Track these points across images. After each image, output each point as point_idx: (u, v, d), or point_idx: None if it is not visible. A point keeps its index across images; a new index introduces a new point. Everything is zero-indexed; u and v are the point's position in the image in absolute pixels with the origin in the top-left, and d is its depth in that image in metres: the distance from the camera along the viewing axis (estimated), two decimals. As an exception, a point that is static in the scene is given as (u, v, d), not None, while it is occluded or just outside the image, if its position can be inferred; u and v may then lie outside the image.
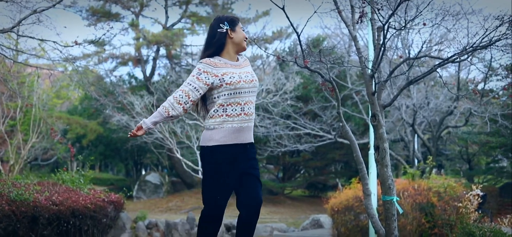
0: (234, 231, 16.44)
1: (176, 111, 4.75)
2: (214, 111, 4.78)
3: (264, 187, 15.60)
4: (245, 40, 4.97)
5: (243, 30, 4.97)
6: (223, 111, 4.76)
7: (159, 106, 4.92)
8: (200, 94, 4.76)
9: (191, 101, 4.76)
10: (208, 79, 4.74)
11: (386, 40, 5.68)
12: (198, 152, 16.48)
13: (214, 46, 4.88)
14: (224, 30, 4.88)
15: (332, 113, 20.80)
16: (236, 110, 4.76)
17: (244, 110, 4.80)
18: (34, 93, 18.94)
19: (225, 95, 4.75)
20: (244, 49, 5.01)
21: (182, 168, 22.74)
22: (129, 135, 4.81)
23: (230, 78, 4.74)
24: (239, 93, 4.78)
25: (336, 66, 7.19)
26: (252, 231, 4.81)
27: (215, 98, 4.80)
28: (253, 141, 4.93)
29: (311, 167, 29.32)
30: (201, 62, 4.83)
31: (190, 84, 4.76)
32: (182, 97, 4.76)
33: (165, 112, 4.74)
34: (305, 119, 20.61)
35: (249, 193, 4.78)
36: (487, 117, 16.98)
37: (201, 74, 4.76)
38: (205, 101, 4.97)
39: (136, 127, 4.76)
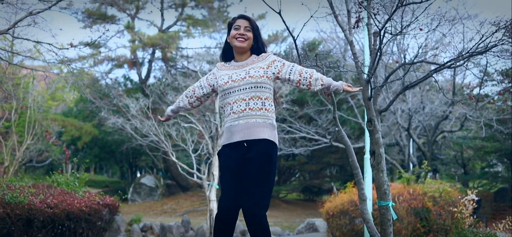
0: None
1: (183, 103, 5.27)
2: (220, 114, 5.02)
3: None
4: (235, 37, 4.94)
5: (237, 28, 4.96)
6: (223, 113, 4.96)
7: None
8: (204, 92, 5.16)
9: (195, 96, 5.20)
10: (212, 80, 5.09)
11: (383, 45, 5.68)
12: (193, 155, 16.46)
13: (225, 54, 5.17)
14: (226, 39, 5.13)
15: (328, 116, 20.79)
16: (227, 110, 4.87)
17: (233, 109, 4.82)
18: (29, 95, 18.89)
19: (220, 97, 4.95)
20: (237, 47, 4.96)
21: (177, 171, 22.73)
22: (158, 120, 5.39)
23: (221, 80, 4.93)
24: (228, 93, 4.87)
25: (332, 70, 7.19)
26: (253, 231, 4.73)
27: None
28: (255, 138, 4.76)
29: (306, 170, 29.33)
30: (217, 64, 5.17)
31: (199, 82, 5.20)
32: (189, 92, 5.26)
33: (178, 102, 5.31)
34: (301, 123, 20.59)
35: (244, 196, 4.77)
36: (482, 122, 16.98)
37: (210, 74, 5.14)
38: None
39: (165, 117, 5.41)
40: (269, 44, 27.81)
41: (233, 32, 4.96)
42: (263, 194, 4.74)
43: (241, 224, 16.46)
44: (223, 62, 5.10)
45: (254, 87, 4.83)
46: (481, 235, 7.52)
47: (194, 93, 5.17)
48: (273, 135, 4.83)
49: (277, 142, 4.89)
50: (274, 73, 4.93)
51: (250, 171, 4.73)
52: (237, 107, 4.79)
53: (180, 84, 17.86)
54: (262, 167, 4.75)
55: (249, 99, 4.79)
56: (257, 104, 4.80)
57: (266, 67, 4.91)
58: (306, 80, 4.91)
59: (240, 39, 4.93)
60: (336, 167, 30.18)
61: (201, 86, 5.15)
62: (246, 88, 4.81)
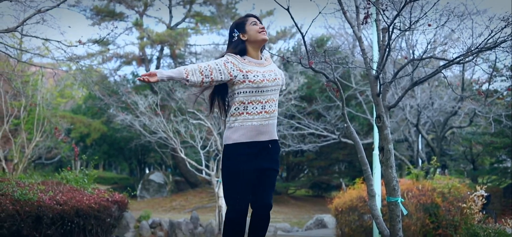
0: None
1: (196, 78, 4.60)
2: (235, 109, 4.74)
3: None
4: (260, 32, 4.89)
5: (255, 24, 4.92)
6: (243, 109, 4.72)
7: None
8: (221, 78, 4.67)
9: (211, 78, 4.65)
10: (233, 70, 4.69)
11: (391, 41, 5.67)
12: (202, 152, 16.48)
13: (236, 52, 4.87)
14: (236, 38, 4.90)
15: (336, 113, 20.78)
16: (256, 108, 4.73)
17: (265, 108, 4.75)
18: (38, 92, 18.96)
19: (246, 92, 4.71)
20: (264, 40, 4.93)
21: (186, 168, 22.78)
22: (138, 79, 4.47)
23: (254, 76, 4.72)
24: (261, 91, 4.75)
25: (340, 67, 7.18)
26: (261, 232, 4.81)
27: (235, 94, 4.75)
28: (276, 139, 4.89)
29: (315, 167, 29.36)
30: (230, 54, 4.83)
31: (217, 64, 4.71)
32: (206, 69, 4.66)
33: (185, 73, 4.59)
34: (309, 119, 20.59)
35: (261, 194, 4.78)
36: (491, 118, 16.95)
37: (228, 62, 4.73)
38: (224, 100, 4.97)
39: (149, 72, 4.49)
40: (277, 41, 27.83)
41: (255, 27, 4.89)
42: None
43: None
44: (239, 55, 4.84)
45: (278, 89, 4.94)
46: (490, 231, 7.49)
47: (211, 75, 4.64)
48: None
49: None
50: None
51: (270, 169, 4.83)
52: (269, 107, 4.78)
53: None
54: (278, 166, 4.97)
55: (276, 100, 4.87)
56: (277, 105, 4.92)
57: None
58: None
59: (263, 32, 4.91)
60: (345, 163, 30.15)
61: (220, 71, 4.67)
62: (275, 89, 4.87)
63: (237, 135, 4.72)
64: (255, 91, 4.73)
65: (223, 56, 4.88)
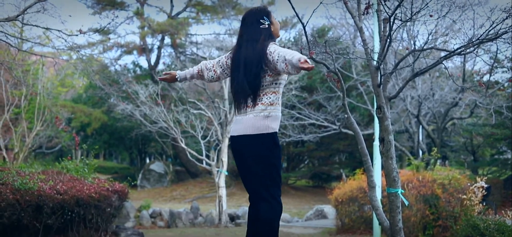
0: (238, 220, 16.42)
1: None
2: (276, 98, 4.58)
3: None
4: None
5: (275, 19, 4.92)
6: (277, 100, 4.61)
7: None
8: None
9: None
10: None
11: (392, 31, 5.65)
12: (202, 142, 16.45)
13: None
14: (266, 26, 4.69)
15: (337, 103, 20.77)
16: (280, 99, 4.69)
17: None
18: (38, 81, 18.94)
19: (284, 84, 4.68)
20: (278, 36, 4.92)
21: (186, 158, 22.81)
22: (306, 68, 3.98)
23: None
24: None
25: (341, 57, 7.17)
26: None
27: (277, 84, 4.59)
28: None
29: (315, 157, 29.37)
30: (275, 43, 4.63)
31: None
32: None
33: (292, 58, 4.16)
34: (310, 109, 20.59)
35: None
36: (492, 109, 16.91)
37: None
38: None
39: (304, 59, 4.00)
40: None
41: (277, 22, 4.88)
42: None
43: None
44: None
45: None
46: (490, 222, 7.50)
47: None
48: None
49: None
50: None
51: None
52: None
53: (190, 71, 17.85)
54: None
55: None
56: None
57: None
58: None
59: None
60: (345, 154, 30.19)
61: None
62: None
63: (275, 124, 4.59)
64: (284, 83, 4.68)
65: (264, 44, 4.60)
